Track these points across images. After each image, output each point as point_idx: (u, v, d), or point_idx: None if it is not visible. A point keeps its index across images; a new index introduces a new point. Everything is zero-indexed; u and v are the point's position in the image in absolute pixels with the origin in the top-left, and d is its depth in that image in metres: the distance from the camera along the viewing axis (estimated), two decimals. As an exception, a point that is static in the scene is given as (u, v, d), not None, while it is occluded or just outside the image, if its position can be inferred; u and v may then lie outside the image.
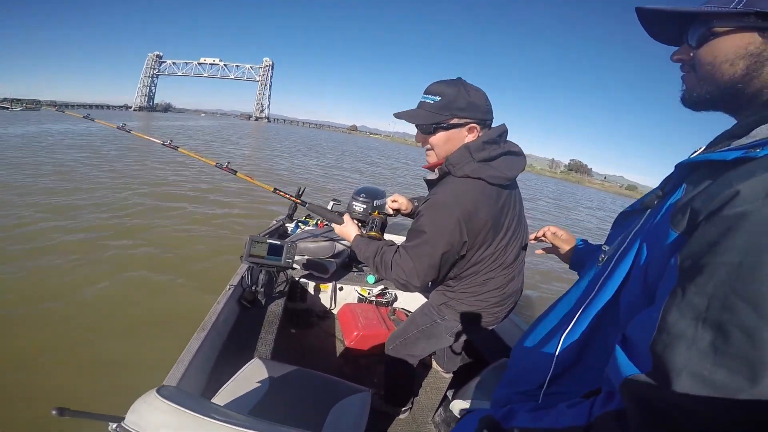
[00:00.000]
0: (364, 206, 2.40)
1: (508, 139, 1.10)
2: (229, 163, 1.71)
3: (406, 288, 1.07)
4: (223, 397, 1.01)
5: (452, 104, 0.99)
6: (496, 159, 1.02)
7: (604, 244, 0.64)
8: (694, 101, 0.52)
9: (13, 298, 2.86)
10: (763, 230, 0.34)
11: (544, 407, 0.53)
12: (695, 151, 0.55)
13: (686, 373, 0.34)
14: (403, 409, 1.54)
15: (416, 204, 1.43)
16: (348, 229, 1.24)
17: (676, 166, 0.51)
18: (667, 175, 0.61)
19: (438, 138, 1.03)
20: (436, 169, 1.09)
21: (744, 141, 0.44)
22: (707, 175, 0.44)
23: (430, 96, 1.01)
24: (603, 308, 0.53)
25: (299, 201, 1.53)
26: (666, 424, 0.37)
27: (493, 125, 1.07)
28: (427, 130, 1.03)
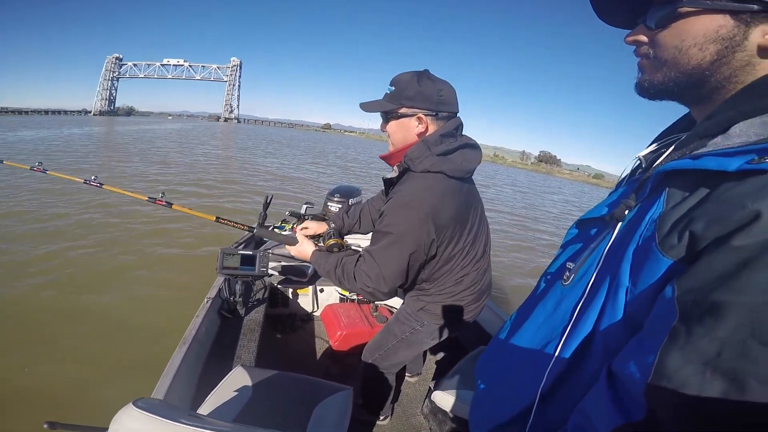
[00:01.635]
0: (340, 206, 2.41)
1: (464, 132, 1.10)
2: (163, 194, 1.49)
3: (374, 296, 1.04)
4: (208, 406, 1.02)
5: (402, 93, 1.01)
6: (454, 152, 1.02)
7: (568, 260, 0.56)
8: (652, 89, 0.46)
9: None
10: None
11: None
12: (662, 151, 0.51)
13: (693, 428, 0.31)
14: (385, 415, 1.53)
15: (332, 225, 1.39)
16: (303, 248, 1.21)
17: (653, 174, 0.43)
18: (627, 168, 0.58)
19: (390, 126, 1.06)
20: (395, 167, 1.09)
21: (727, 142, 0.39)
22: (694, 185, 0.39)
23: (390, 86, 1.04)
24: (586, 337, 0.48)
25: (245, 227, 1.41)
26: None
27: (459, 118, 1.08)
28: (383, 118, 1.07)
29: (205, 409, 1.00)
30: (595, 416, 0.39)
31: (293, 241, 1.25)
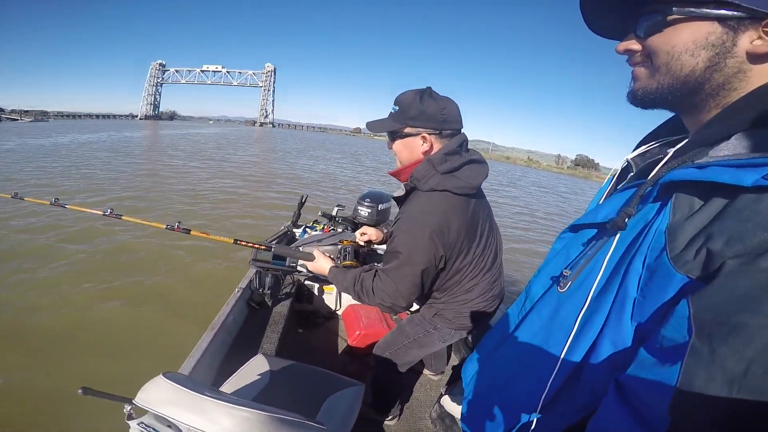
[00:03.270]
0: (369, 210, 2.46)
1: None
2: (179, 223, 1.47)
3: (392, 310, 1.09)
4: (227, 388, 1.10)
5: (406, 114, 1.03)
6: (460, 169, 1.04)
7: (563, 264, 0.55)
8: (647, 97, 0.46)
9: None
10: None
11: None
12: (652, 154, 0.50)
13: None
14: (393, 416, 1.55)
15: (386, 231, 1.46)
16: (321, 264, 1.24)
17: (659, 184, 0.42)
18: (617, 169, 0.57)
19: (397, 145, 1.09)
20: (403, 185, 1.12)
21: (724, 152, 0.39)
22: (703, 196, 0.38)
23: (393, 105, 1.06)
24: (591, 345, 0.47)
25: (263, 247, 1.43)
26: None
27: (463, 134, 1.10)
28: (389, 137, 1.10)
29: (224, 390, 1.08)
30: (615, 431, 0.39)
31: (310, 257, 1.27)
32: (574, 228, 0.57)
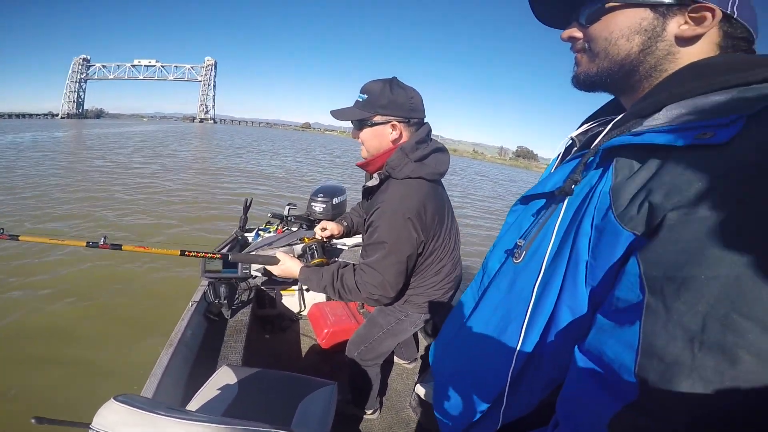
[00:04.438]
0: (324, 205, 2.41)
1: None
2: (106, 237, 1.23)
3: (379, 302, 1.08)
4: (194, 404, 1.02)
5: (375, 102, 1.04)
6: (428, 157, 1.08)
7: (516, 236, 0.57)
8: (588, 81, 0.50)
9: None
10: (765, 233, 0.30)
11: None
12: (593, 131, 0.54)
13: (695, 403, 0.31)
14: (374, 409, 1.57)
15: (345, 224, 1.45)
16: (288, 266, 1.19)
17: (600, 149, 0.45)
18: (560, 147, 0.60)
19: (365, 134, 1.09)
20: (375, 175, 1.12)
21: (659, 121, 0.41)
22: (640, 159, 0.40)
23: (361, 94, 1.06)
24: (550, 315, 0.47)
25: (217, 256, 1.36)
26: None
27: (428, 124, 1.13)
28: (356, 126, 1.10)
29: (191, 407, 1.01)
30: (588, 405, 0.38)
31: (274, 260, 1.21)
32: (525, 200, 0.59)
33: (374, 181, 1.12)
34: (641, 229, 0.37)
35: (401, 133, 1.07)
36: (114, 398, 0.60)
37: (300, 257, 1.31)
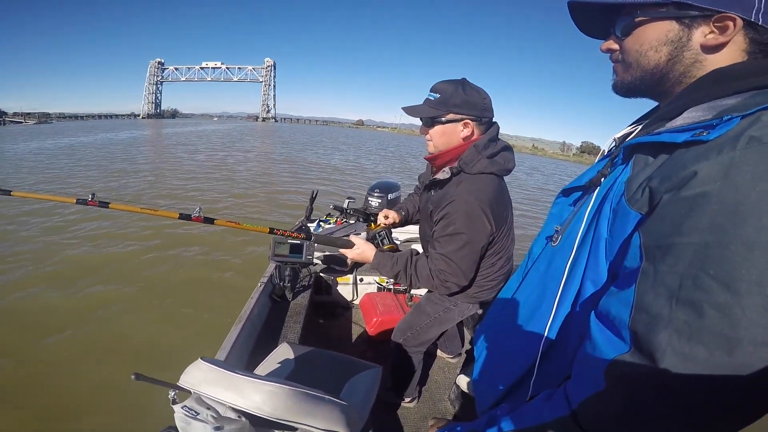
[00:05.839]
0: (380, 201, 2.51)
1: (504, 123, 1.19)
2: (200, 208, 1.25)
3: (450, 290, 1.14)
4: (258, 373, 1.16)
5: (449, 101, 1.09)
6: (498, 154, 1.13)
7: (556, 224, 0.63)
8: (624, 88, 0.55)
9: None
10: (725, 210, 0.35)
11: (521, 406, 0.54)
12: (632, 132, 0.58)
13: (670, 351, 0.36)
14: (412, 398, 1.60)
15: (403, 213, 1.51)
16: (363, 250, 1.24)
17: (622, 147, 0.52)
18: (605, 146, 0.66)
19: (435, 131, 1.14)
20: (447, 169, 1.15)
21: (678, 122, 0.46)
22: (654, 155, 0.46)
23: (432, 93, 1.11)
24: (578, 289, 0.54)
25: (303, 236, 1.38)
26: (652, 400, 0.38)
27: (497, 124, 1.17)
28: (427, 123, 1.14)
29: None
30: (592, 358, 0.44)
31: (349, 243, 1.26)
32: (566, 192, 0.66)
33: (445, 175, 1.15)
34: (645, 210, 0.43)
35: (473, 131, 1.12)
36: (201, 358, 0.71)
37: (374, 242, 1.38)
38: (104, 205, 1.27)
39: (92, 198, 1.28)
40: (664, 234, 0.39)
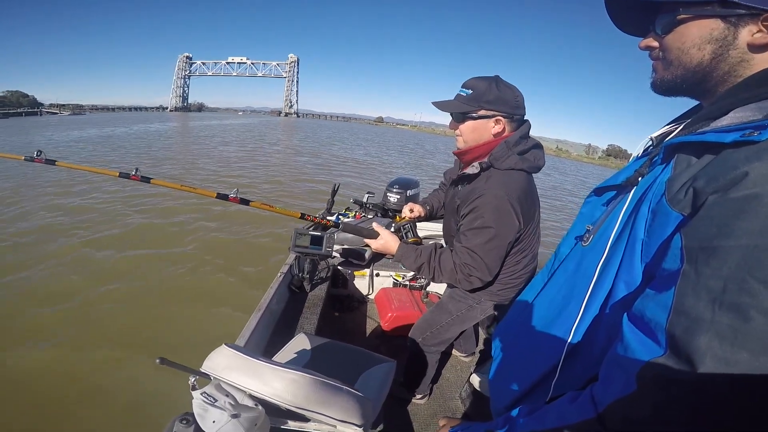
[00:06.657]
0: (399, 196, 2.51)
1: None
2: (237, 190, 1.33)
3: (473, 285, 1.12)
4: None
5: (481, 97, 1.08)
6: (529, 152, 1.13)
7: (588, 223, 0.61)
8: (664, 86, 0.53)
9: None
10: None
11: (541, 407, 0.53)
12: (670, 132, 0.56)
13: (710, 355, 0.35)
14: (423, 395, 1.60)
15: (428, 207, 1.51)
16: (387, 241, 1.24)
17: (663, 146, 0.50)
18: (640, 146, 0.63)
19: (466, 126, 1.13)
20: (477, 164, 1.13)
21: (724, 122, 0.45)
22: (698, 155, 0.45)
23: (464, 89, 1.11)
24: (609, 291, 0.52)
25: (330, 223, 1.48)
26: (684, 404, 0.37)
27: (529, 121, 1.15)
28: (457, 118, 1.14)
29: None
30: (624, 360, 0.43)
31: (374, 233, 1.26)
32: (598, 191, 0.64)
33: (474, 169, 1.13)
34: (687, 211, 0.42)
35: (504, 127, 1.11)
36: (225, 344, 0.73)
37: (398, 234, 1.38)
38: (146, 180, 1.35)
39: (135, 172, 1.34)
40: (709, 236, 0.38)
